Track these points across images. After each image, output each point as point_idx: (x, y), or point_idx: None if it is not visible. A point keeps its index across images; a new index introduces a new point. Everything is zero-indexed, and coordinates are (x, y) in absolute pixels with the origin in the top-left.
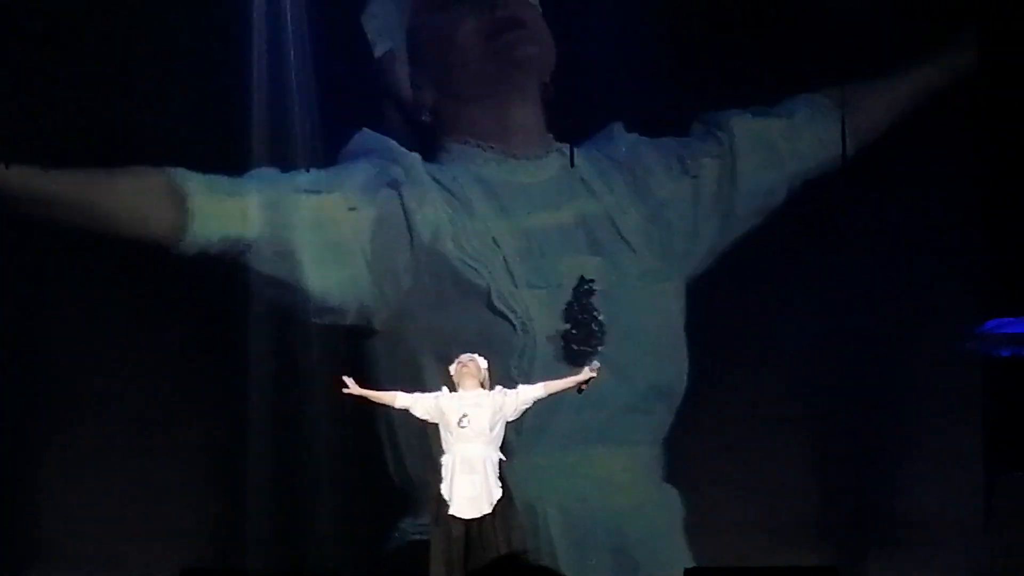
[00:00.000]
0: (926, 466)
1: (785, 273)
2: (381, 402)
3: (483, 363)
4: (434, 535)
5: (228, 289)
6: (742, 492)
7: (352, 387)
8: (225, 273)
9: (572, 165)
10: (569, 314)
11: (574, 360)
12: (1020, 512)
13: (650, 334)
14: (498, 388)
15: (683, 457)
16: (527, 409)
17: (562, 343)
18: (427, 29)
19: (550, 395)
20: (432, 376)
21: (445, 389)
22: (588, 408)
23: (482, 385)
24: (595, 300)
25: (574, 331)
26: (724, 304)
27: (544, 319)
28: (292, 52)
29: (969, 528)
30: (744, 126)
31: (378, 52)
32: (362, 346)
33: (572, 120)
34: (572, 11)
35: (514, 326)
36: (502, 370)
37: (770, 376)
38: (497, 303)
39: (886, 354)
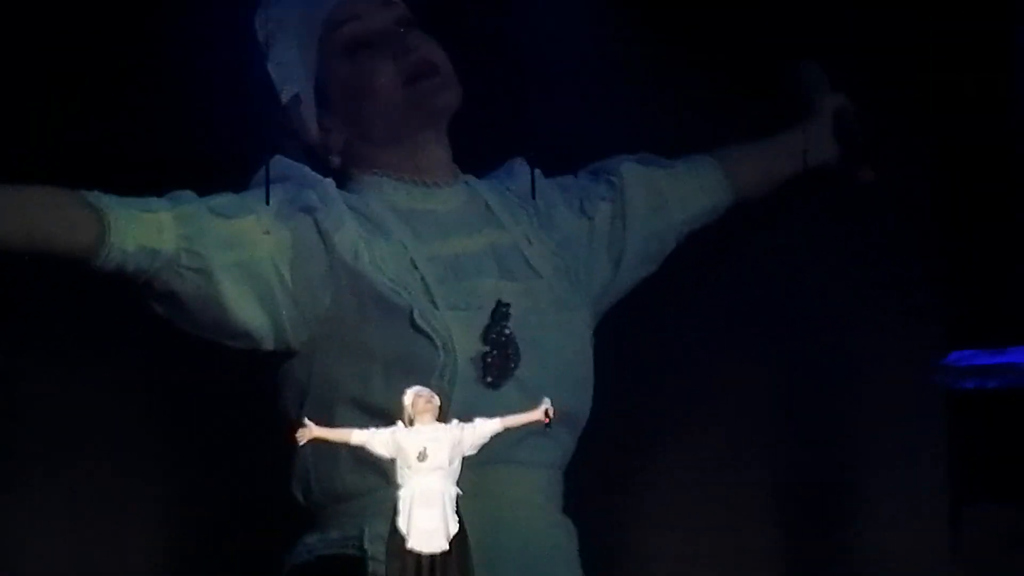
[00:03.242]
0: (890, 500)
1: (734, 303)
2: (338, 440)
3: (437, 399)
4: (390, 569)
5: (141, 309)
6: (665, 524)
7: (311, 429)
8: (139, 292)
9: (533, 197)
10: (487, 337)
11: (493, 383)
12: (986, 545)
13: (561, 360)
14: (454, 422)
15: (583, 485)
16: (484, 444)
17: (482, 364)
18: (337, 76)
19: (506, 429)
20: (351, 393)
21: (400, 424)
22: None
23: (438, 419)
24: (511, 324)
25: (494, 352)
26: (653, 341)
27: (465, 340)
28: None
29: (935, 562)
30: (632, 171)
31: (284, 98)
32: (279, 366)
33: (475, 153)
34: (475, 44)
35: (435, 345)
36: None
37: (719, 413)
38: (419, 322)
39: (847, 388)
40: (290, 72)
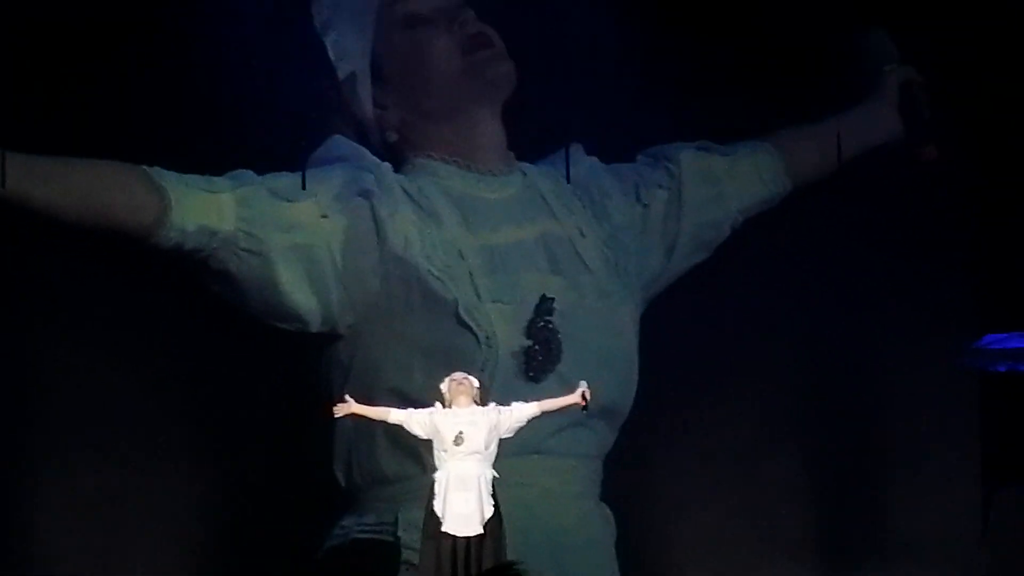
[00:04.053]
0: (922, 482)
1: (768, 287)
2: (376, 418)
3: (475, 381)
4: (424, 551)
5: (197, 288)
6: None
7: (350, 404)
8: (195, 271)
9: (568, 181)
10: (531, 331)
11: (534, 377)
12: (1017, 528)
13: (603, 355)
14: (492, 405)
15: (621, 475)
16: (520, 427)
17: (524, 359)
18: (394, 49)
19: (543, 413)
20: (391, 381)
21: (438, 405)
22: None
23: (475, 402)
24: (555, 318)
25: (536, 347)
26: (689, 326)
27: (507, 334)
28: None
29: (965, 544)
30: (691, 160)
31: (342, 74)
32: (323, 349)
33: (531, 139)
34: (533, 31)
35: (478, 339)
36: None
37: (754, 397)
38: (464, 316)
39: (881, 372)
40: (347, 50)
